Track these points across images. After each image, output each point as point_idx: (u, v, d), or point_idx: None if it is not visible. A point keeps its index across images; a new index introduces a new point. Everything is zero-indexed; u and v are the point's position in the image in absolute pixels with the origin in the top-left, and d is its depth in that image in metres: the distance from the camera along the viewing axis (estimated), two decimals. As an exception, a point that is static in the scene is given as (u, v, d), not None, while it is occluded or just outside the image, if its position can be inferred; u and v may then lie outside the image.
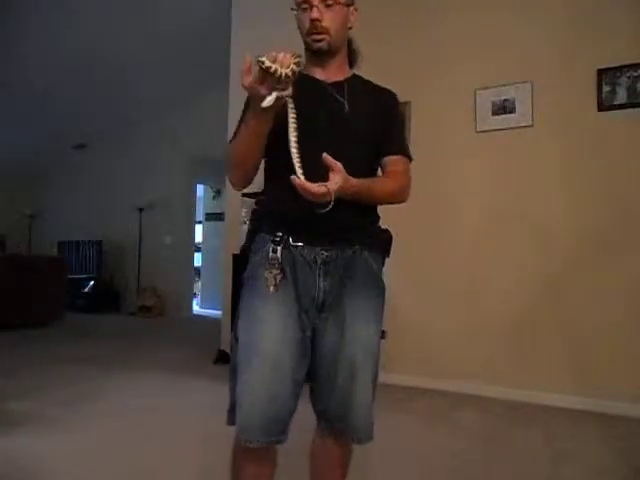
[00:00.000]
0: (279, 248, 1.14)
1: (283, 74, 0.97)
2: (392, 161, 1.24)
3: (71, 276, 6.84)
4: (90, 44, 5.26)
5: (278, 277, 1.13)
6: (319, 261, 1.15)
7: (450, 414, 2.74)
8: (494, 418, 2.68)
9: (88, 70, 5.72)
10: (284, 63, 0.98)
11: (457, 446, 2.26)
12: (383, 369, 3.27)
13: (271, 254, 1.14)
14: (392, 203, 1.24)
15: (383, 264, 1.28)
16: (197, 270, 8.08)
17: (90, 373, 3.46)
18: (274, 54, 0.98)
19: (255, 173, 1.20)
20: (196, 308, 7.84)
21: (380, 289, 1.24)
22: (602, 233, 2.86)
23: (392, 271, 3.22)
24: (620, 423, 2.58)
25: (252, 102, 1.05)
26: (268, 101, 1.00)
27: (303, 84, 1.09)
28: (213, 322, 5.17)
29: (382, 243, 1.26)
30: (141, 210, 7.25)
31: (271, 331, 1.11)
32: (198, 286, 8.28)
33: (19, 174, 8.22)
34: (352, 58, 1.30)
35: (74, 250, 7.68)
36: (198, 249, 8.11)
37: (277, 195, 1.20)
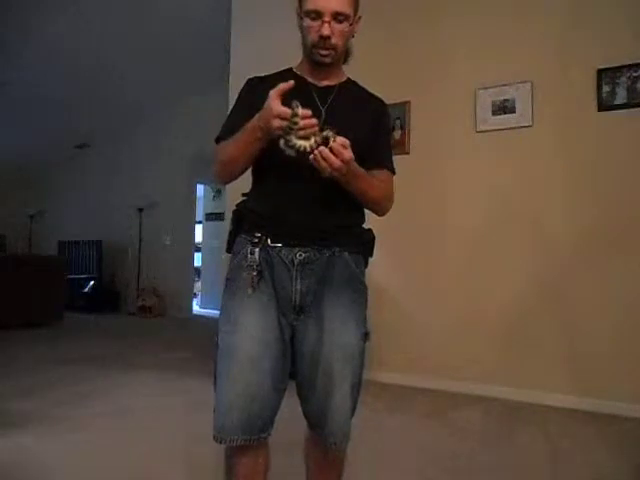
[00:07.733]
0: (257, 250, 1.14)
1: (307, 148, 1.00)
2: (376, 174, 1.22)
3: (71, 276, 6.84)
4: (90, 45, 5.27)
5: (256, 279, 1.13)
6: (296, 262, 1.15)
7: (450, 414, 2.74)
8: (494, 418, 2.68)
9: (88, 70, 5.73)
10: (306, 133, 0.99)
11: (457, 446, 2.26)
12: (382, 369, 3.30)
13: (249, 256, 1.15)
14: (374, 207, 1.23)
15: (366, 265, 1.26)
16: (197, 270, 8.08)
17: (90, 373, 3.46)
18: (303, 114, 0.98)
19: (243, 173, 1.20)
20: (196, 308, 7.83)
21: (361, 291, 1.21)
22: (602, 233, 2.86)
23: (392, 271, 3.25)
24: (620, 423, 2.58)
25: (262, 132, 1.05)
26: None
27: None
28: (213, 322, 5.14)
29: (363, 244, 1.24)
30: (141, 210, 7.25)
31: (249, 333, 1.11)
32: (198, 286, 8.28)
33: (19, 174, 8.22)
34: (345, 56, 1.28)
35: (74, 250, 7.69)
36: (198, 249, 8.10)
37: (257, 196, 1.21)
